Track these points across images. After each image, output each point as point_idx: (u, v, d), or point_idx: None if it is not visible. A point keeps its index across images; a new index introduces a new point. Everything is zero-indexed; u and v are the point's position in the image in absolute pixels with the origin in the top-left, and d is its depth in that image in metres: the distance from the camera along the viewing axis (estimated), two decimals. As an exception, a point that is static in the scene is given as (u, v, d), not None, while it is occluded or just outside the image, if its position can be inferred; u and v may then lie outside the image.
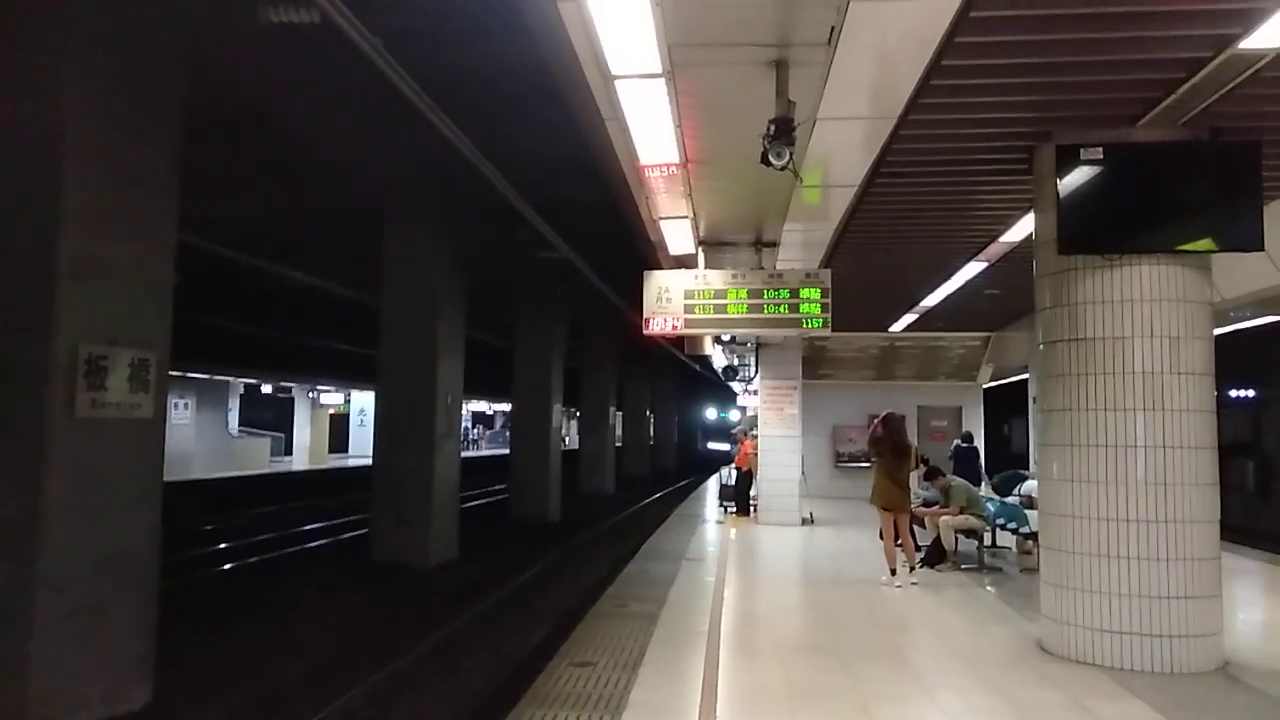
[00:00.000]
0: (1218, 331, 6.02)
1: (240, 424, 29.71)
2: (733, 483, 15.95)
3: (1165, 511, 5.46)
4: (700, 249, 9.18)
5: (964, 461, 14.98)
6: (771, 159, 4.94)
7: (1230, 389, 18.02)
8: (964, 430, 17.15)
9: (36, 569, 5.81)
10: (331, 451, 34.98)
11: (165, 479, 7.20)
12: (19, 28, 6.08)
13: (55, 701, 5.89)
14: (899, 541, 8.74)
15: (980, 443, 17.48)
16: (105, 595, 6.33)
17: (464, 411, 27.31)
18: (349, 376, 28.23)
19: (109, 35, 6.32)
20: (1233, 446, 15.00)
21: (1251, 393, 18.36)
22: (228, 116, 10.03)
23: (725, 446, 41.06)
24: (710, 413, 56.33)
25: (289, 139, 11.16)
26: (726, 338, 14.94)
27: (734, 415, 44.68)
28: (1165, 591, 5.42)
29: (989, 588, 8.58)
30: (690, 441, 59.21)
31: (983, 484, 14.66)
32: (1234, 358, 8.97)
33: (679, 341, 18.49)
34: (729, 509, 15.46)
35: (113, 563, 6.40)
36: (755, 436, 15.79)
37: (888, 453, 8.72)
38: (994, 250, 9.10)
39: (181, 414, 23.86)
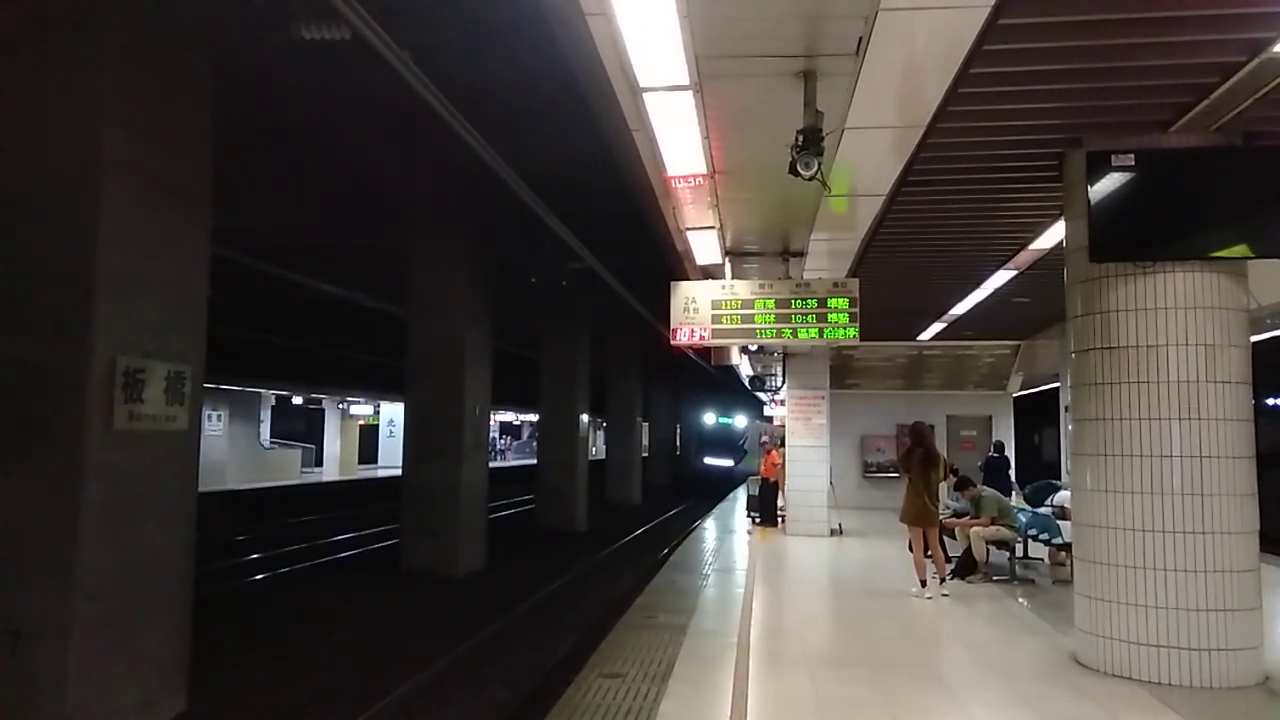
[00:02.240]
0: (1255, 339, 5.92)
1: (272, 435, 30.01)
2: (757, 493, 15.87)
3: (1202, 522, 5.37)
4: (727, 259, 9.18)
5: (994, 471, 14.85)
6: (799, 169, 4.94)
7: (1268, 397, 17.70)
8: (994, 440, 16.99)
9: (73, 578, 5.90)
10: (361, 463, 35.25)
11: (199, 490, 7.31)
12: (56, 47, 6.22)
13: (90, 710, 5.97)
14: (929, 553, 8.67)
15: (1010, 453, 17.32)
16: (141, 604, 6.42)
17: (492, 422, 27.40)
18: (378, 388, 28.45)
19: (144, 53, 6.46)
20: (1271, 455, 14.72)
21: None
22: (259, 131, 10.18)
23: (728, 462, 37.31)
24: (708, 417, 42.39)
25: (319, 152, 11.30)
26: (753, 348, 14.90)
27: (739, 421, 40.08)
28: (1203, 604, 5.33)
29: (1021, 600, 8.47)
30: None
31: (1013, 494, 14.50)
32: (1271, 365, 8.83)
33: (705, 352, 18.47)
34: (756, 519, 15.40)
35: (148, 572, 6.50)
36: (778, 447, 15.77)
37: (916, 465, 8.65)
38: (1023, 258, 9.02)
39: (215, 425, 24.16)
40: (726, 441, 40.03)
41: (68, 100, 6.19)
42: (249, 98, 9.03)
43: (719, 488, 32.11)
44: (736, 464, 37.07)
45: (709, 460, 39.78)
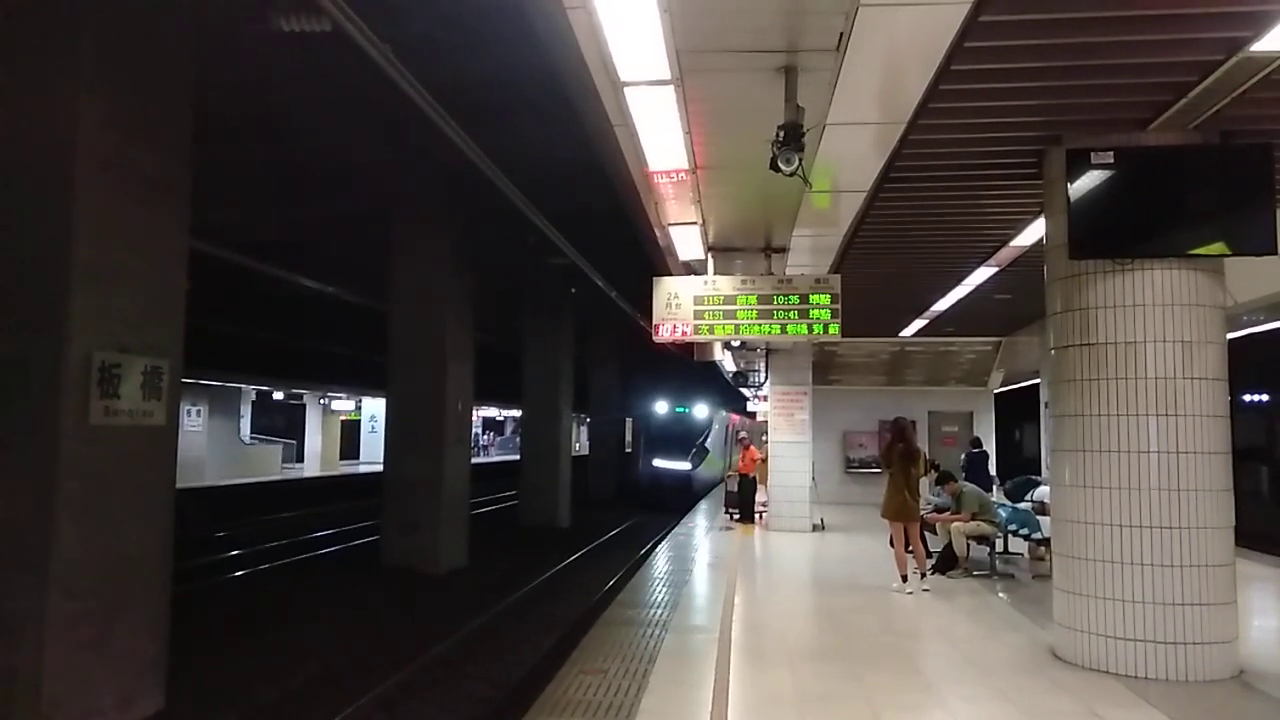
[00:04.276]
0: (1231, 336, 5.97)
1: (252, 431, 29.80)
2: (735, 489, 15.80)
3: (1179, 517, 5.41)
4: (709, 255, 9.17)
5: (974, 467, 14.94)
6: (781, 165, 4.94)
7: (1244, 393, 17.90)
8: (973, 436, 17.12)
9: (49, 575, 5.84)
10: (342, 458, 35.05)
11: (177, 486, 7.24)
12: (32, 37, 6.13)
13: (68, 707, 5.91)
14: (910, 548, 8.70)
15: (990, 448, 17.45)
16: (117, 601, 6.36)
17: (474, 417, 27.06)
18: (360, 383, 28.29)
19: (121, 44, 6.37)
20: (1246, 451, 14.90)
21: (1265, 397, 18.23)
22: (239, 124, 10.10)
23: (682, 465, 28.14)
24: (659, 406, 31.07)
25: (300, 146, 11.22)
26: (736, 343, 14.92)
27: (700, 411, 30.54)
28: (1179, 598, 5.38)
29: (1001, 594, 8.52)
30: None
31: (994, 489, 14.59)
32: (1247, 362, 8.92)
33: (688, 347, 18.51)
34: (734, 515, 15.38)
35: (125, 569, 6.43)
36: (745, 441, 15.78)
37: (897, 460, 8.68)
38: (1004, 255, 9.06)
39: (194, 421, 23.96)
40: (681, 438, 28.90)
41: (43, 92, 6.10)
42: (230, 90, 8.95)
43: (665, 503, 25.06)
44: (694, 468, 28.24)
45: (659, 463, 28.67)
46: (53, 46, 6.12)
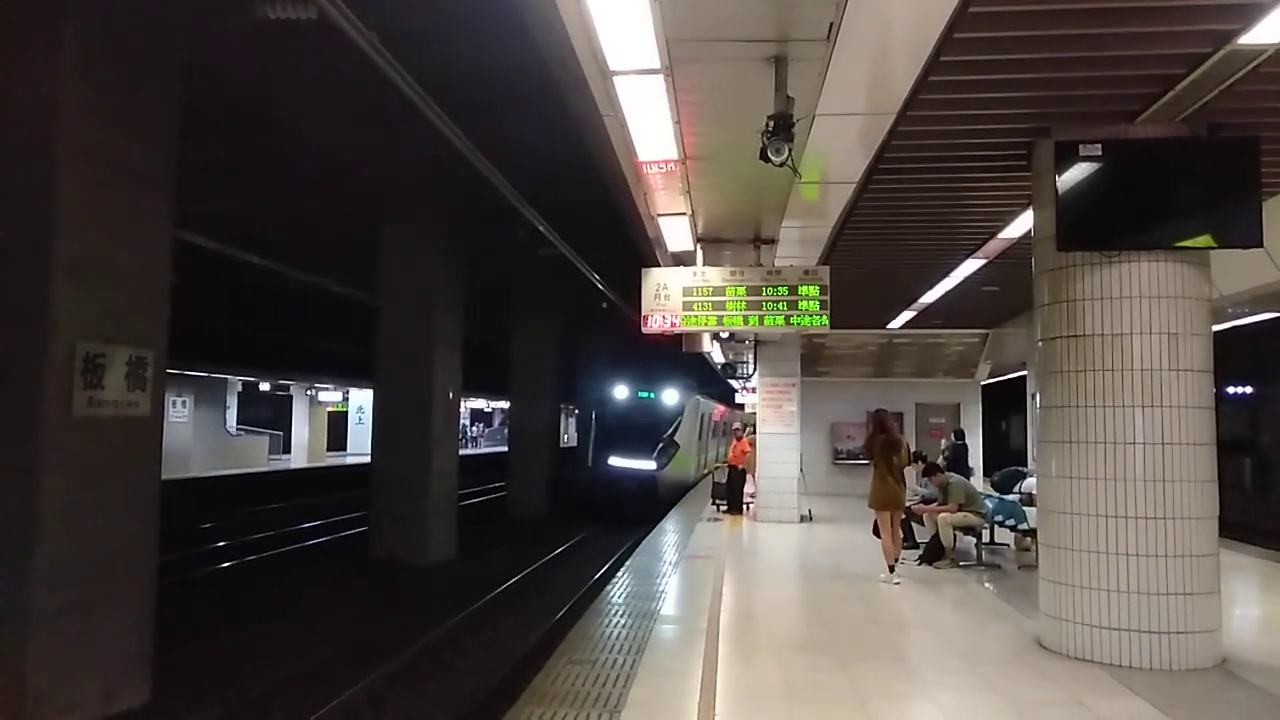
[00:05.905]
0: (1216, 328, 6.00)
1: (238, 422, 29.66)
2: (724, 480, 15.79)
3: (1164, 508, 5.45)
4: (699, 246, 9.16)
5: (956, 458, 15.05)
6: (770, 155, 4.93)
7: (1229, 385, 18.04)
8: (956, 428, 17.24)
9: (33, 568, 5.80)
10: (330, 449, 34.92)
11: (163, 477, 7.20)
12: (16, 28, 6.06)
13: (51, 700, 5.88)
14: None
15: (979, 439, 17.56)
16: (102, 594, 6.32)
17: (463, 408, 26.87)
18: (347, 374, 28.15)
19: (105, 34, 6.30)
20: (1231, 443, 15.02)
21: (1250, 389, 18.38)
22: (225, 114, 10.02)
23: (645, 465, 21.85)
24: (619, 390, 24.05)
25: (286, 136, 11.14)
26: (725, 335, 14.92)
27: (670, 396, 23.72)
28: (1164, 588, 5.42)
29: (987, 585, 8.57)
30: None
31: (971, 479, 14.70)
32: (1232, 354, 8.98)
33: (676, 338, 18.47)
34: (721, 507, 15.40)
35: (110, 561, 6.39)
36: (738, 432, 15.74)
37: (879, 451, 8.71)
38: (992, 247, 9.09)
39: (179, 412, 23.81)
40: (643, 429, 22.43)
41: (26, 82, 6.03)
42: (214, 79, 8.86)
43: (628, 513, 19.83)
44: (661, 468, 22.04)
45: (616, 462, 21.95)
46: (36, 36, 6.04)
